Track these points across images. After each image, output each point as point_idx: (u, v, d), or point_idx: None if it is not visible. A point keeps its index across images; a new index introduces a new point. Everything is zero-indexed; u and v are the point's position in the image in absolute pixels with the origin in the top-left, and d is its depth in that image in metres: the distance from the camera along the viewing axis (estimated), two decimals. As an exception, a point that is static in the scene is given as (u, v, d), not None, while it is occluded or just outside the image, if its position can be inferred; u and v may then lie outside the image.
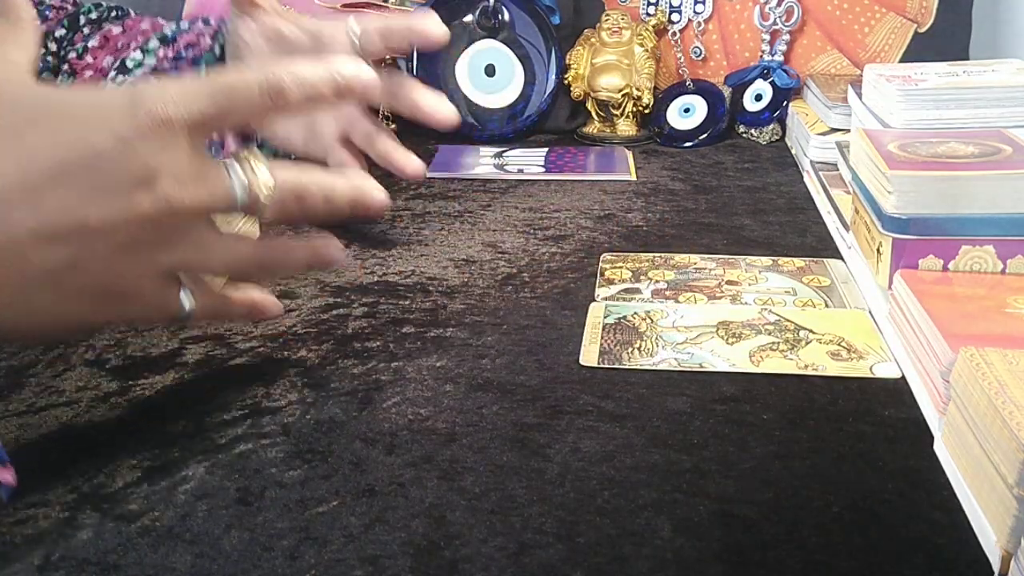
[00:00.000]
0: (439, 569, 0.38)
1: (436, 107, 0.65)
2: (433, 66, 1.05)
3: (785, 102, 1.03)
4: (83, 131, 0.40)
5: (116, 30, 0.83)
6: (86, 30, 0.84)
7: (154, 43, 0.79)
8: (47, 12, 0.83)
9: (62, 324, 0.44)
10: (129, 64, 0.79)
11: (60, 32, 0.83)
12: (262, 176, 0.45)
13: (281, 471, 0.45)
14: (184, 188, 0.42)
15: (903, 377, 0.53)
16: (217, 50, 0.76)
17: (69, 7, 0.85)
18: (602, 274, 0.68)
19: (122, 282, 0.43)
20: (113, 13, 0.86)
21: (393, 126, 1.07)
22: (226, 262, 0.47)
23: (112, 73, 0.79)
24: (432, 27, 0.65)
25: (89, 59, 0.81)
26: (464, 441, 0.47)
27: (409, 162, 0.69)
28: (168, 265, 0.45)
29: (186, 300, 0.46)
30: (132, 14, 0.88)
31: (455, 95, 1.05)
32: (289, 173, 0.46)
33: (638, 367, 0.54)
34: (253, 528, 0.41)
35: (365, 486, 0.44)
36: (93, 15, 0.85)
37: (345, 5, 1.09)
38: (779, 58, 1.06)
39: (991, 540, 0.38)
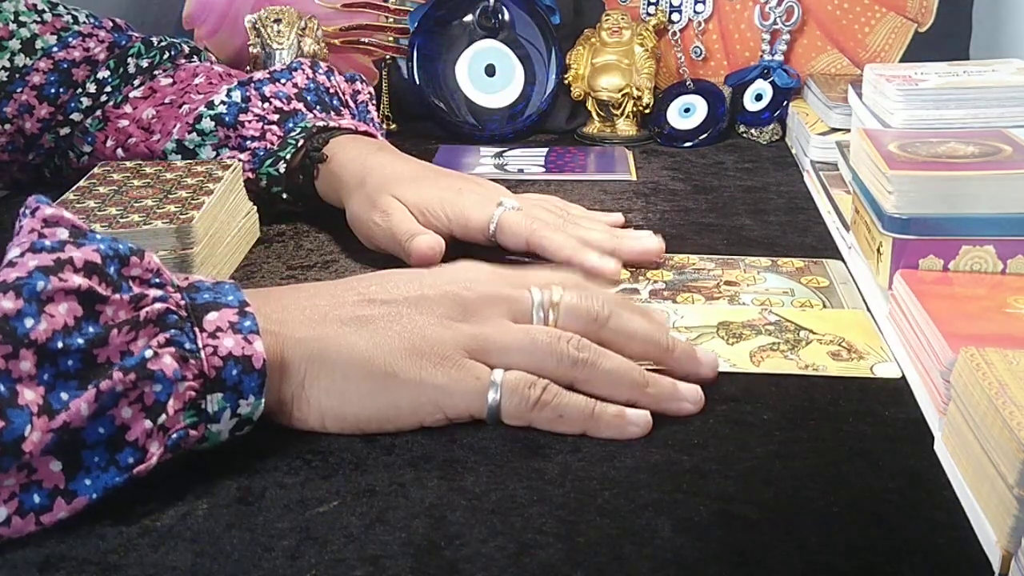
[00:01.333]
0: (439, 569, 0.38)
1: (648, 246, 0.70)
2: (433, 66, 1.05)
3: (785, 102, 1.03)
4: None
5: (165, 82, 0.82)
6: (136, 81, 0.81)
7: (208, 123, 0.78)
8: (71, 39, 0.81)
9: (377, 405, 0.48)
10: (189, 145, 0.78)
11: (103, 74, 0.81)
12: (554, 295, 0.51)
13: (281, 471, 0.45)
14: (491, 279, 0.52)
15: (903, 377, 0.53)
16: (287, 156, 0.76)
17: (101, 34, 0.83)
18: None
19: (435, 345, 0.48)
20: (165, 55, 0.83)
21: (394, 126, 1.07)
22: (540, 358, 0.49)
23: (171, 145, 0.77)
24: (603, 267, 0.66)
25: (128, 108, 0.80)
26: (464, 441, 0.47)
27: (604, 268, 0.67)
28: (471, 337, 0.48)
29: (496, 380, 0.48)
30: (185, 50, 0.85)
31: (455, 95, 1.05)
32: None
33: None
34: (253, 528, 0.41)
35: (365, 486, 0.44)
36: (144, 62, 0.82)
37: (345, 5, 1.09)
38: (779, 58, 1.06)
39: (991, 540, 0.38)
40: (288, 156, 0.75)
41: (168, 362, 0.42)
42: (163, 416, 0.42)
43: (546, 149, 1.01)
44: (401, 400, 0.47)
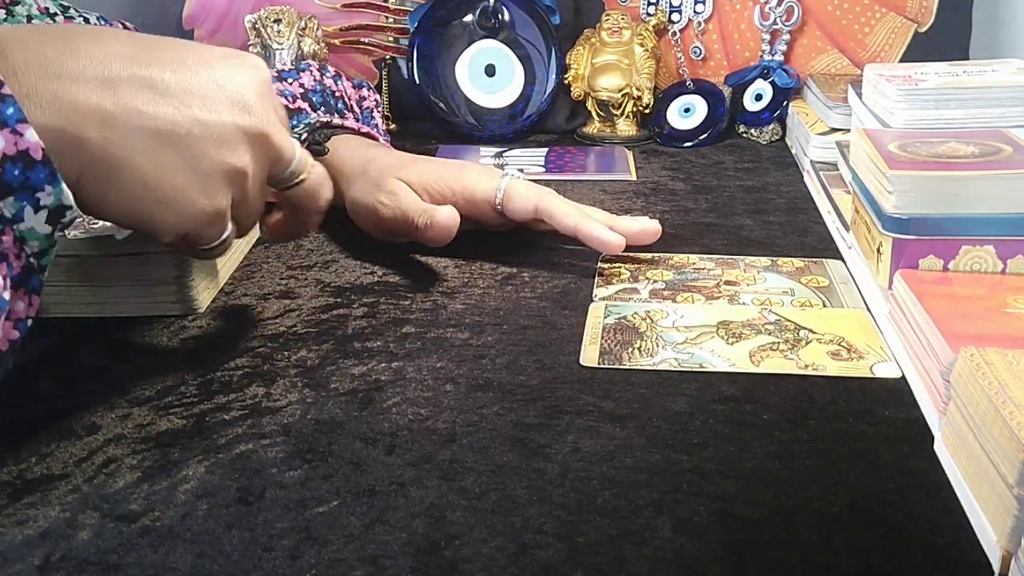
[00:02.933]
0: (439, 569, 0.39)
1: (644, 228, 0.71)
2: (433, 66, 1.05)
3: (785, 102, 1.03)
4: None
5: None
6: None
7: None
8: None
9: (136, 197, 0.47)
10: None
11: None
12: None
13: (281, 471, 0.45)
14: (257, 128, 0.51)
15: (903, 377, 0.53)
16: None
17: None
18: (600, 274, 0.68)
19: (199, 163, 0.47)
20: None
21: (394, 126, 1.07)
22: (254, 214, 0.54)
23: None
24: (607, 238, 0.67)
25: None
26: (464, 441, 0.47)
27: (608, 238, 0.68)
28: (233, 172, 0.49)
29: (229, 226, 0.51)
30: None
31: (455, 95, 1.05)
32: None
33: (638, 367, 0.54)
34: (253, 528, 0.41)
35: (365, 486, 0.44)
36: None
37: (345, 5, 1.09)
38: (779, 58, 1.06)
39: (991, 540, 0.38)
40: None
41: None
42: None
43: (546, 149, 1.01)
44: (167, 221, 0.48)
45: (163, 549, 0.40)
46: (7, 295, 0.42)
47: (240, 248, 0.72)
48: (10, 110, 0.41)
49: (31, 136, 0.42)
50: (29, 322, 0.44)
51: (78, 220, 0.59)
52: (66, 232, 0.60)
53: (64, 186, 0.43)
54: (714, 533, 0.40)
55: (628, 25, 1.06)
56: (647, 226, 0.71)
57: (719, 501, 0.42)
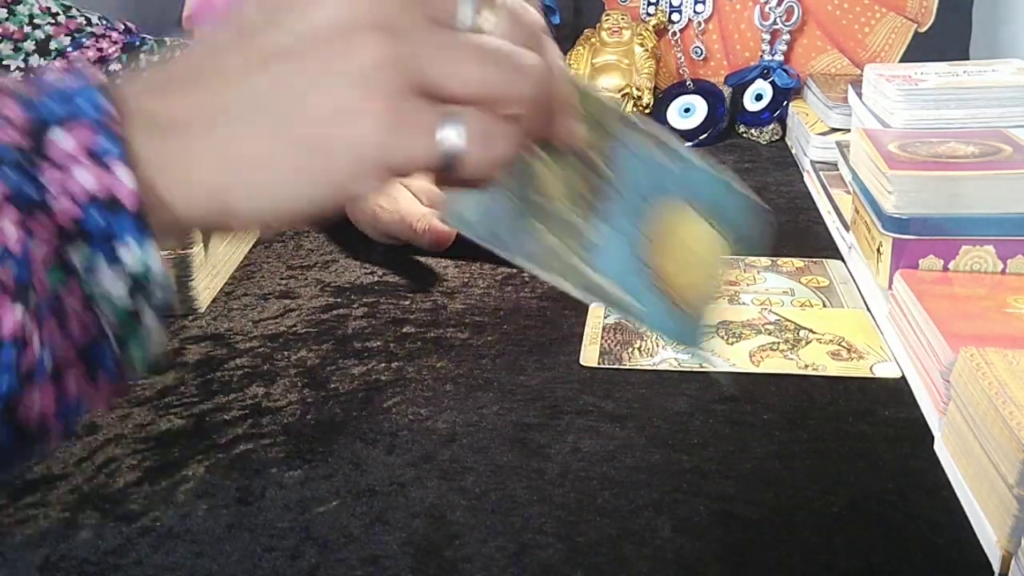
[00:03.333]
0: (439, 569, 0.38)
1: None
2: (433, 66, 1.05)
3: (785, 102, 1.03)
4: None
5: None
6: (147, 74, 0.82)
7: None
8: (84, 40, 0.82)
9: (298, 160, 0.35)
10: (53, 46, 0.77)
11: (115, 67, 0.81)
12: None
13: (281, 471, 0.45)
14: None
15: (903, 377, 0.53)
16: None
17: (114, 35, 0.84)
18: (602, 274, 0.68)
19: (359, 80, 0.34)
20: (177, 53, 0.84)
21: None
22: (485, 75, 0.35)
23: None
24: None
25: None
26: (464, 441, 0.47)
27: None
28: (395, 60, 0.34)
29: (450, 130, 0.34)
30: None
31: (455, 95, 1.05)
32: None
33: (638, 367, 0.54)
34: (253, 528, 0.41)
35: (365, 486, 0.44)
36: (155, 57, 0.83)
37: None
38: (779, 58, 1.06)
39: (991, 540, 0.38)
40: None
41: (10, 232, 0.33)
42: (33, 296, 0.33)
43: (546, 149, 1.01)
44: (337, 170, 0.36)
45: (163, 549, 0.40)
46: (49, 360, 0.34)
47: (240, 248, 0.72)
48: (107, 142, 0.35)
49: (123, 175, 0.35)
50: (81, 410, 0.35)
51: None
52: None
53: (154, 250, 0.35)
54: (714, 533, 0.40)
55: (628, 25, 1.06)
56: None
57: (719, 501, 0.42)
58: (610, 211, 0.39)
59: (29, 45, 0.80)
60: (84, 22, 0.83)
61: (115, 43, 0.83)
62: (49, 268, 0.34)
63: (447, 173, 0.35)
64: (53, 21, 0.82)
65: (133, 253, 0.35)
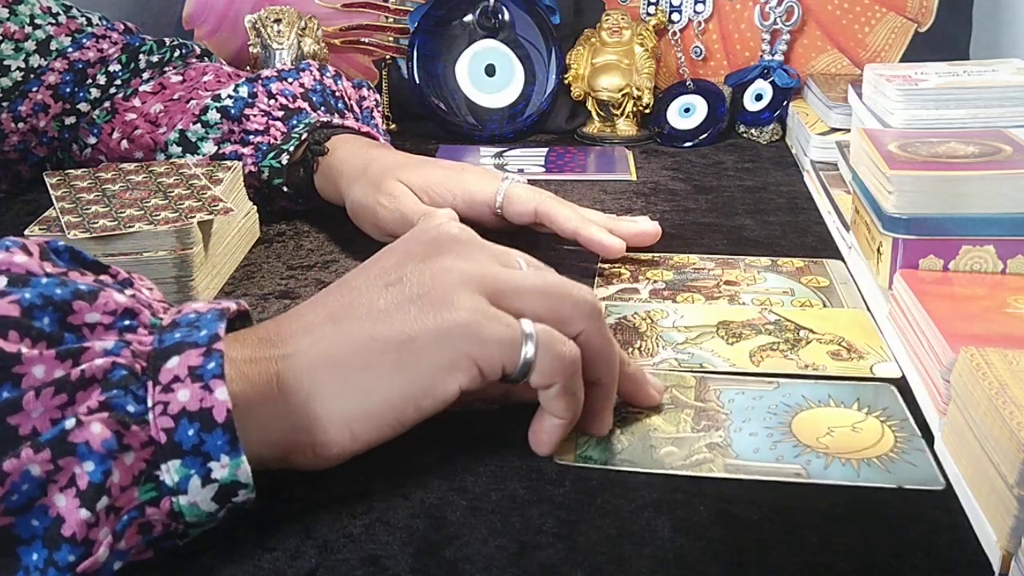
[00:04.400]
0: (439, 569, 0.38)
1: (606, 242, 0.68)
2: (433, 66, 1.05)
3: (785, 102, 1.03)
4: None
5: (175, 79, 0.82)
6: (146, 75, 0.82)
7: (214, 115, 0.78)
8: (84, 41, 0.82)
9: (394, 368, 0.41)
10: (191, 137, 0.78)
11: (115, 67, 0.81)
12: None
13: (281, 471, 0.45)
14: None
15: (903, 377, 0.53)
16: (284, 157, 0.75)
17: (114, 35, 0.84)
18: (600, 274, 0.68)
19: (447, 287, 0.42)
20: (176, 54, 0.85)
21: (394, 126, 1.07)
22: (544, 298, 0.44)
23: (173, 136, 0.77)
24: (608, 241, 0.67)
25: (136, 102, 0.80)
26: (464, 441, 0.47)
27: (608, 242, 0.68)
28: (484, 274, 0.43)
29: (526, 346, 0.42)
30: (196, 50, 0.87)
31: (455, 95, 1.05)
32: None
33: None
34: (253, 528, 0.41)
35: (365, 486, 0.44)
36: (155, 57, 0.83)
37: (345, 5, 1.09)
38: (779, 58, 1.06)
39: (991, 540, 0.38)
40: (291, 148, 0.76)
41: (97, 431, 0.34)
42: (104, 499, 0.34)
43: (546, 149, 1.01)
44: (428, 362, 0.41)
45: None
46: (119, 564, 0.36)
47: (240, 248, 0.72)
48: (211, 364, 0.37)
49: (220, 394, 0.37)
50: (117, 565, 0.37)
51: (78, 235, 0.59)
52: (67, 232, 0.60)
53: (244, 459, 0.37)
54: (714, 533, 0.40)
55: (628, 25, 1.06)
56: (646, 228, 0.71)
57: (719, 501, 0.42)
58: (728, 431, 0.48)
59: (30, 45, 0.80)
60: (84, 22, 0.83)
61: (115, 44, 0.83)
62: (140, 483, 0.36)
63: (520, 376, 0.42)
64: (54, 21, 0.82)
65: (225, 467, 0.37)
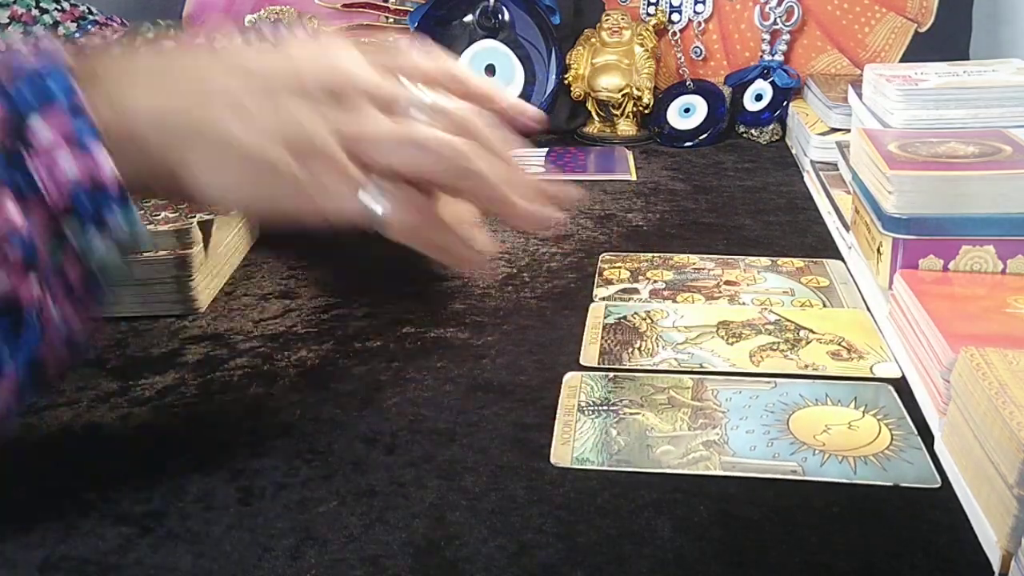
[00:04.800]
0: (439, 569, 0.38)
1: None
2: (433, 66, 1.05)
3: (785, 102, 1.03)
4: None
5: (168, 44, 0.83)
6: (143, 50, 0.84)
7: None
8: (89, 27, 0.83)
9: (255, 179, 0.42)
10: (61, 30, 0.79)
11: (117, 50, 0.83)
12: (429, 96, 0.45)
13: (281, 471, 0.45)
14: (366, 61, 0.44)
15: (903, 377, 0.53)
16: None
17: (115, 25, 0.85)
18: (600, 274, 0.68)
19: (301, 129, 0.42)
20: (172, 31, 0.86)
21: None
22: (402, 148, 0.43)
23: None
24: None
25: None
26: (464, 441, 0.47)
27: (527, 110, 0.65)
28: (341, 122, 0.42)
29: (376, 196, 0.43)
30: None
31: (455, 95, 1.05)
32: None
33: (638, 367, 0.54)
34: (253, 528, 0.41)
35: (365, 486, 0.44)
36: (151, 35, 0.84)
37: (345, 5, 1.09)
38: (779, 58, 1.06)
39: (991, 540, 0.38)
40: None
41: (14, 215, 0.36)
42: (38, 267, 0.37)
43: (546, 149, 1.01)
44: (284, 192, 0.42)
45: (163, 549, 0.40)
46: (58, 320, 0.39)
47: (240, 248, 0.72)
48: (82, 124, 0.38)
49: (103, 159, 0.38)
50: (80, 347, 0.41)
51: None
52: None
53: (135, 214, 0.40)
54: (714, 533, 0.40)
55: (628, 25, 1.06)
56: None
57: (719, 501, 0.42)
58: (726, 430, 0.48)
59: (39, 29, 0.81)
60: (86, 11, 0.85)
61: (116, 32, 0.85)
62: (48, 244, 0.38)
63: (379, 231, 0.43)
64: (59, 7, 0.83)
65: (123, 231, 0.39)
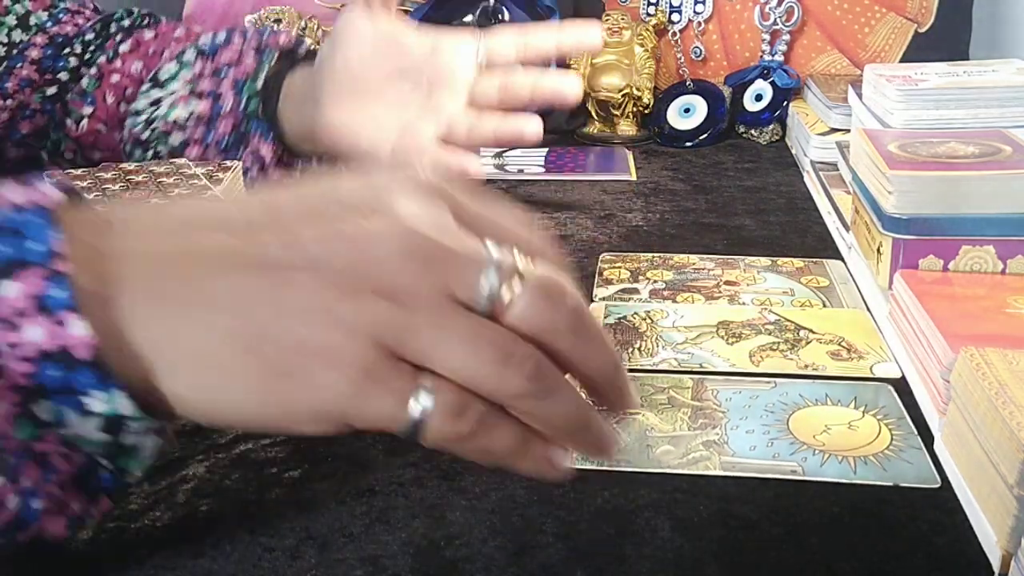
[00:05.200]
0: (439, 569, 0.38)
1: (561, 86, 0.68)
2: (433, 66, 1.05)
3: (785, 102, 1.03)
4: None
5: (148, 35, 0.83)
6: (118, 37, 0.84)
7: (190, 54, 0.78)
8: (61, 15, 0.83)
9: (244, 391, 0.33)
10: (163, 76, 0.78)
11: (89, 36, 0.83)
12: (519, 262, 0.33)
13: (281, 471, 0.45)
14: (424, 222, 0.32)
15: (903, 377, 0.53)
16: (260, 79, 0.75)
17: (87, 12, 0.85)
18: (600, 274, 0.68)
19: (340, 337, 0.32)
20: (145, 21, 0.86)
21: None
22: (479, 367, 0.32)
23: (146, 86, 0.79)
24: (590, 35, 0.69)
25: (119, 63, 0.81)
26: (464, 441, 0.47)
27: (528, 124, 0.69)
28: (387, 325, 0.32)
29: (422, 401, 0.32)
30: (163, 19, 0.88)
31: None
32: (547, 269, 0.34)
33: (638, 367, 0.54)
34: (253, 528, 0.41)
35: (365, 486, 0.44)
36: (125, 22, 0.84)
37: (345, 5, 1.09)
38: (779, 58, 1.06)
39: (991, 540, 0.38)
40: (270, 62, 0.76)
41: None
42: None
43: (546, 149, 1.01)
44: (295, 404, 0.33)
45: (163, 549, 0.40)
46: (38, 504, 0.34)
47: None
48: (57, 291, 0.32)
49: (77, 329, 0.32)
50: (86, 521, 0.35)
51: None
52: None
53: (120, 393, 0.32)
54: (714, 533, 0.40)
55: (628, 25, 1.06)
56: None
57: (719, 501, 0.42)
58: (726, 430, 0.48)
59: (11, 19, 0.81)
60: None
61: (88, 19, 0.85)
62: (16, 425, 0.32)
63: (410, 438, 0.33)
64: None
65: (100, 401, 0.32)
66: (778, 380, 0.52)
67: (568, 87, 0.68)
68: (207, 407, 0.34)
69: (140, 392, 0.33)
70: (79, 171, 0.73)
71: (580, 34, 0.69)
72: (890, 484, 0.43)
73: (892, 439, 0.46)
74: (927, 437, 0.47)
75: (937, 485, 0.43)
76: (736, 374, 0.53)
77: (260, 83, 0.76)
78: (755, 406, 0.49)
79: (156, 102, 0.78)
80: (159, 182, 0.70)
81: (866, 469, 0.44)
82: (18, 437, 0.33)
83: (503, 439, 0.34)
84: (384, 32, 0.70)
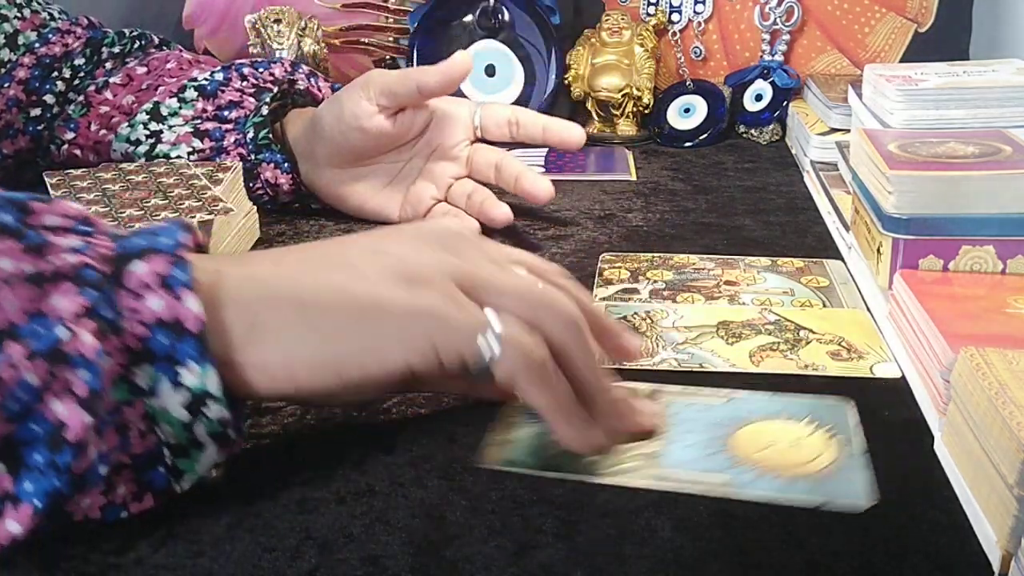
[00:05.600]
0: (439, 569, 0.38)
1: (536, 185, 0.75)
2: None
3: (785, 102, 1.03)
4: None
5: (140, 70, 0.83)
6: (108, 64, 0.83)
7: (191, 93, 0.79)
8: (50, 36, 0.82)
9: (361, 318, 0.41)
10: (164, 111, 0.79)
11: (79, 61, 0.82)
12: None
13: (281, 471, 0.45)
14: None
15: (903, 377, 0.53)
16: (264, 110, 0.77)
17: (78, 31, 0.84)
18: (600, 274, 0.68)
19: (424, 268, 0.42)
20: (136, 44, 0.85)
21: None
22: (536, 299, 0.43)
23: (143, 116, 0.78)
24: (574, 136, 0.76)
25: (109, 95, 0.81)
26: (464, 441, 0.47)
27: (537, 187, 0.75)
28: (461, 268, 0.43)
29: (491, 340, 0.41)
30: (155, 40, 0.88)
31: (455, 95, 1.05)
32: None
33: (638, 367, 0.54)
34: (253, 528, 0.41)
35: (365, 486, 0.44)
36: (116, 48, 0.84)
37: (345, 5, 1.09)
38: (779, 58, 1.06)
39: (991, 540, 0.38)
40: (268, 100, 0.78)
41: (89, 342, 0.35)
42: (101, 404, 0.36)
43: (546, 149, 1.01)
44: (388, 330, 0.41)
45: (163, 549, 0.40)
46: (103, 469, 0.37)
47: (240, 248, 0.72)
48: (179, 272, 0.38)
49: (191, 304, 0.38)
50: (123, 514, 0.39)
51: None
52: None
53: (212, 370, 0.38)
54: (714, 533, 0.40)
55: (628, 25, 1.06)
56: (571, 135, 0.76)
57: (719, 501, 0.42)
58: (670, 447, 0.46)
59: None
60: (48, 17, 0.84)
61: (79, 39, 0.84)
62: (115, 385, 0.37)
63: (480, 374, 0.41)
64: (20, 15, 0.82)
65: (194, 374, 0.38)
66: (735, 395, 0.51)
67: (541, 189, 0.74)
68: (296, 367, 0.40)
69: (224, 377, 0.39)
70: (79, 171, 0.73)
71: (564, 134, 0.75)
72: (818, 504, 0.42)
73: (836, 457, 0.45)
74: (922, 440, 0.47)
75: (863, 508, 0.41)
76: (736, 374, 0.53)
77: (264, 111, 0.77)
78: (701, 420, 0.48)
79: (155, 134, 0.78)
80: (159, 182, 0.70)
81: (796, 487, 0.43)
82: (113, 397, 0.37)
83: (561, 384, 0.42)
84: (388, 124, 0.73)
